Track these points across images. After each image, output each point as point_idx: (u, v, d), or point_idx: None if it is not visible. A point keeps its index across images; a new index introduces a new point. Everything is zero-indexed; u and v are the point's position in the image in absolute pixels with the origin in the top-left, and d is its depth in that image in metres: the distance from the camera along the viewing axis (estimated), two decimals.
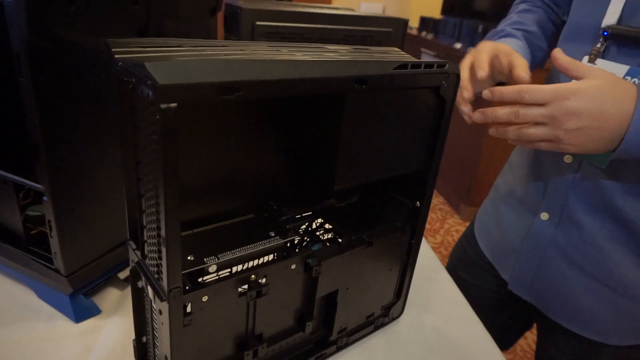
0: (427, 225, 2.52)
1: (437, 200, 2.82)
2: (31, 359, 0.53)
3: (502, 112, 0.54)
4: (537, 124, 0.53)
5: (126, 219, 0.42)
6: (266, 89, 0.34)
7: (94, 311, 0.61)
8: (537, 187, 0.70)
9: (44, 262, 0.59)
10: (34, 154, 0.51)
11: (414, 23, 3.04)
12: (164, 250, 0.35)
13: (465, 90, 0.64)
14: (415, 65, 0.46)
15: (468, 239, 0.90)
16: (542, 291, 0.71)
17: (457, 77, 0.50)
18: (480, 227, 0.87)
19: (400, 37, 0.90)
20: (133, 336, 0.49)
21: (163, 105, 0.30)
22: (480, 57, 0.63)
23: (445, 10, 3.04)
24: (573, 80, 0.52)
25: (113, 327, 0.59)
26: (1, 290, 0.63)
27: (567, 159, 0.64)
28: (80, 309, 0.60)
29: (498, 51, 0.63)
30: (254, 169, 0.50)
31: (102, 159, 0.58)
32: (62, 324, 0.59)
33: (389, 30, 0.89)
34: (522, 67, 0.60)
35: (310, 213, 0.56)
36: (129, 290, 0.66)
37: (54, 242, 0.56)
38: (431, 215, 2.62)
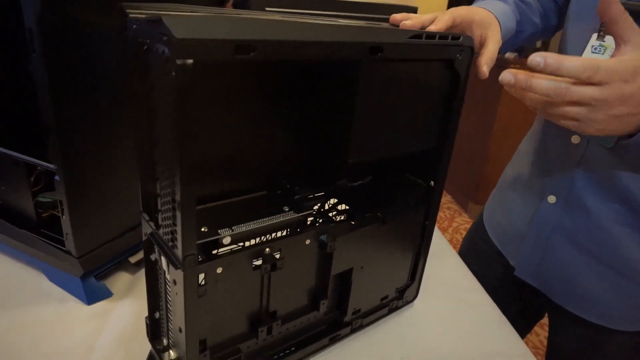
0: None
1: (444, 199, 2.80)
2: (42, 340, 0.53)
3: (543, 84, 0.43)
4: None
5: (139, 190, 0.41)
6: (282, 50, 0.34)
7: (106, 294, 0.61)
8: (543, 170, 0.69)
9: (55, 244, 0.59)
10: (46, 132, 0.51)
11: None
12: (178, 215, 0.35)
13: (410, 20, 0.53)
14: (430, 36, 0.45)
15: (477, 228, 0.89)
16: (548, 276, 0.70)
17: (472, 50, 0.50)
18: (488, 215, 0.86)
19: None
20: (144, 318, 0.48)
21: (179, 61, 0.29)
22: (441, 17, 0.55)
23: (450, 7, 3.04)
24: (627, 54, 0.44)
25: (124, 309, 0.59)
26: (12, 275, 0.63)
27: (575, 139, 0.62)
28: (92, 291, 0.60)
29: (473, 21, 0.58)
30: (267, 144, 0.50)
31: (115, 138, 0.58)
32: (74, 306, 0.58)
33: None
34: (488, 55, 0.55)
35: (323, 194, 0.55)
36: (140, 274, 0.66)
37: (66, 223, 0.56)
38: (439, 214, 2.60)
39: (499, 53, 0.59)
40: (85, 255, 0.58)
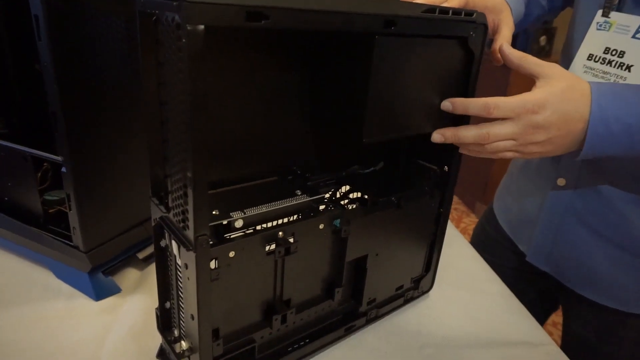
0: None
1: None
2: (51, 335, 0.51)
3: (469, 133, 0.49)
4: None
5: (149, 173, 0.40)
6: (296, 18, 0.33)
7: (114, 289, 0.59)
8: None
9: (63, 240, 0.58)
10: (53, 122, 0.50)
11: None
12: (190, 193, 0.33)
13: None
14: (443, 11, 0.44)
15: (487, 217, 0.88)
16: (561, 260, 0.69)
17: (486, 27, 0.48)
18: (499, 202, 0.85)
19: None
20: (153, 313, 0.47)
21: (190, 26, 0.28)
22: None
23: None
24: (535, 88, 0.49)
25: (133, 304, 0.57)
26: (20, 272, 0.62)
27: None
28: (100, 287, 0.58)
29: (486, 7, 0.58)
30: (278, 125, 0.49)
31: (123, 129, 0.57)
32: (82, 303, 0.57)
33: None
34: (503, 41, 0.55)
35: (335, 181, 0.54)
36: (148, 270, 0.65)
37: (73, 217, 0.55)
38: None
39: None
40: (93, 250, 0.57)
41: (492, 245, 0.83)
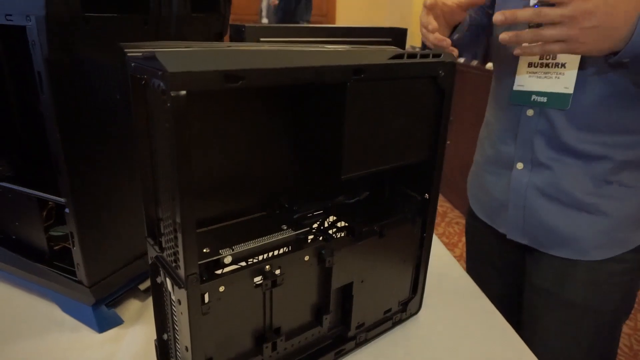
0: (445, 239, 2.49)
1: (453, 214, 2.80)
2: None
3: (526, 12, 0.59)
4: (554, 25, 0.58)
5: (144, 216, 0.44)
6: (269, 77, 0.37)
7: (117, 321, 0.62)
8: (508, 145, 0.80)
9: (67, 275, 0.61)
10: (56, 167, 0.54)
11: (417, 42, 3.12)
12: (179, 237, 0.37)
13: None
14: (412, 56, 0.48)
15: (469, 215, 0.97)
16: (533, 230, 0.80)
17: (453, 65, 0.52)
18: (472, 198, 0.95)
19: (401, 46, 0.94)
20: (154, 341, 0.50)
21: (173, 93, 0.32)
22: None
23: None
24: None
25: (135, 335, 0.60)
26: (26, 305, 0.65)
27: (529, 112, 0.75)
28: (103, 319, 0.61)
29: None
30: (263, 166, 0.52)
31: (122, 170, 0.61)
32: (86, 335, 0.60)
33: (388, 40, 0.93)
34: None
35: (322, 212, 0.57)
36: (150, 300, 0.68)
37: (77, 254, 0.58)
38: (449, 230, 2.60)
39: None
40: (96, 284, 0.60)
41: (481, 241, 0.94)
